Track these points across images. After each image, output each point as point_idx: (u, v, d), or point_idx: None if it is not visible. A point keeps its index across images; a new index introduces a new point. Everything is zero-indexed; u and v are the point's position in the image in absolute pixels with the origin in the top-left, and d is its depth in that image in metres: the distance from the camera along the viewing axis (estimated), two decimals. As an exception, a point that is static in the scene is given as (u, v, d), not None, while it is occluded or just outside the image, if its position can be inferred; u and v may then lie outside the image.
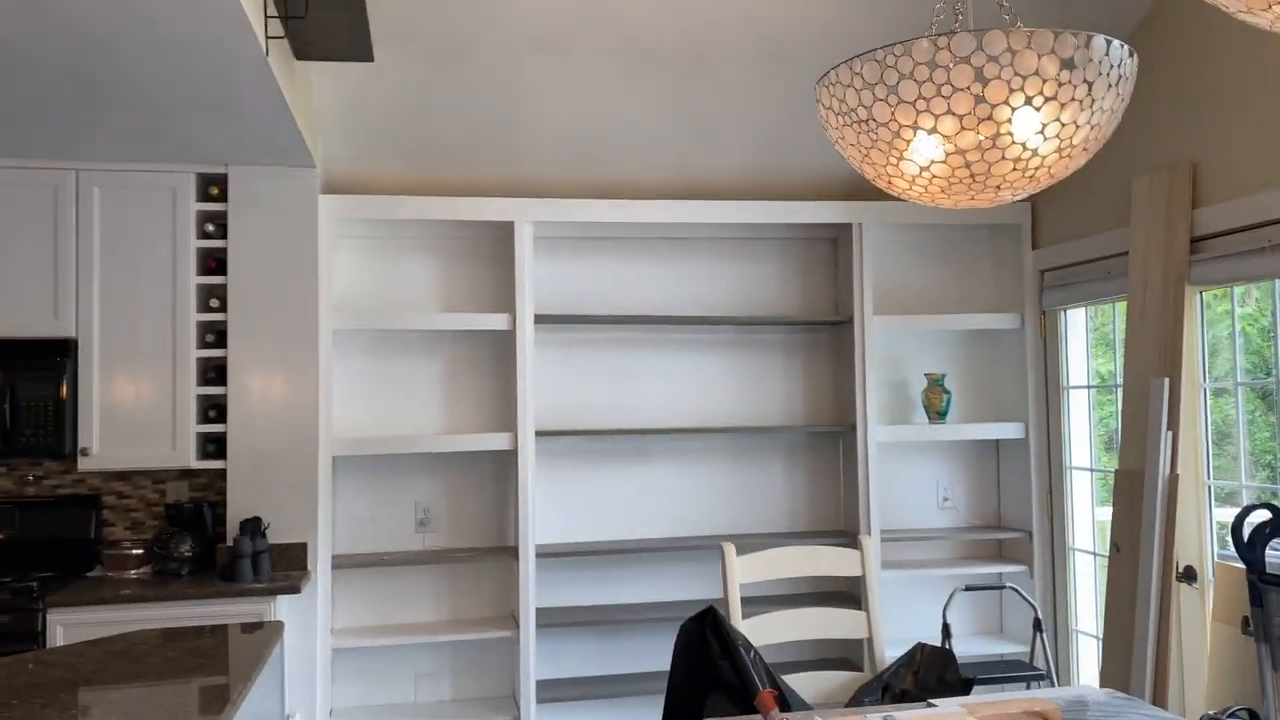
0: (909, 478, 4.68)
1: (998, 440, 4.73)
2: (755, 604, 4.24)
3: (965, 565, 4.53)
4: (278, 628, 2.81)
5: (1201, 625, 3.62)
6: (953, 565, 4.53)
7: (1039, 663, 4.14)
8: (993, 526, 4.67)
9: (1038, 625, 4.11)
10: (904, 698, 2.88)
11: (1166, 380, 3.62)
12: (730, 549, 2.94)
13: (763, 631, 2.92)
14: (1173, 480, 3.58)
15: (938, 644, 3.96)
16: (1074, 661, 4.33)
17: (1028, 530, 4.47)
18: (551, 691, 4.15)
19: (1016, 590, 4.12)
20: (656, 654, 4.43)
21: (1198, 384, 3.69)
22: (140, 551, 3.84)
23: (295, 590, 3.54)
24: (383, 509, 4.26)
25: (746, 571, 2.94)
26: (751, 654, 2.84)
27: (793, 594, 4.48)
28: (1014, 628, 4.62)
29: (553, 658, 4.35)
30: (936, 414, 4.52)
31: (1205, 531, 3.65)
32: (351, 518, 4.23)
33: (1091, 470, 4.34)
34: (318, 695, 3.83)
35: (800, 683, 2.91)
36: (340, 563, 3.98)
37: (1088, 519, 4.38)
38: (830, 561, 3.02)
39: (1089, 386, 4.37)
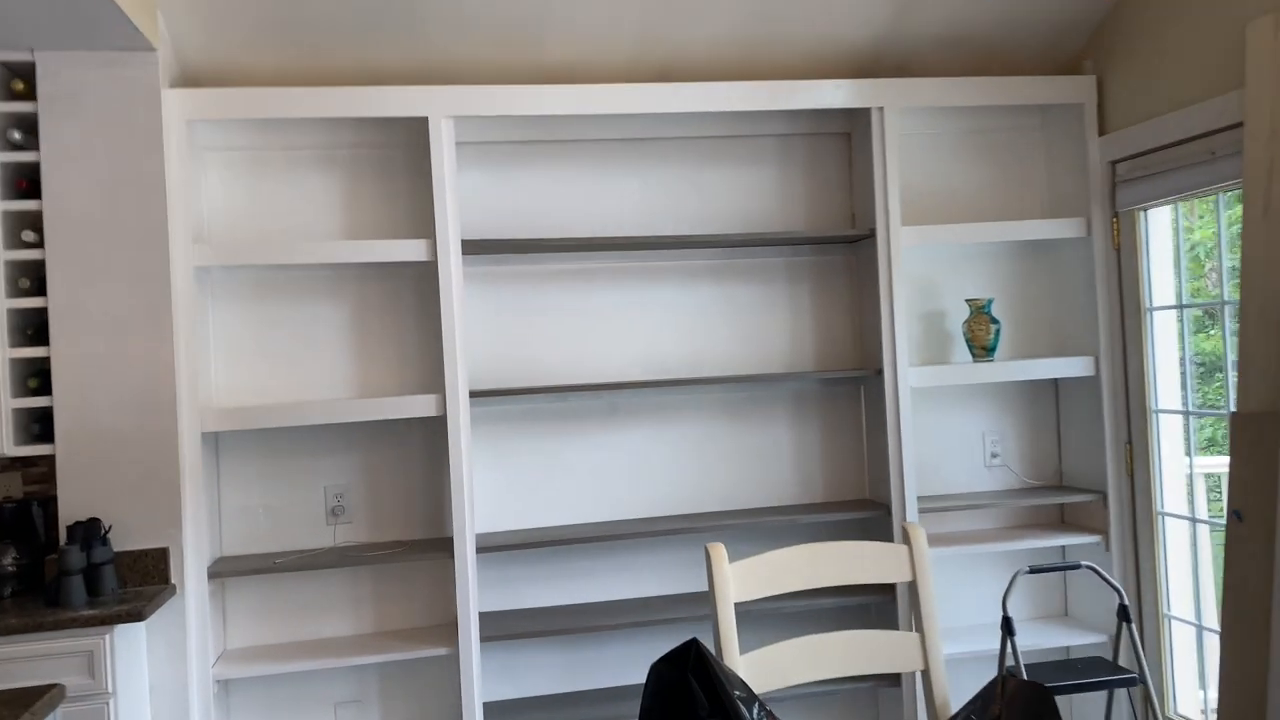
0: (949, 431, 3.74)
1: (1057, 380, 3.78)
2: (752, 619, 3.35)
3: (1021, 538, 3.60)
4: (49, 698, 1.88)
5: (1360, 617, 2.69)
6: (1006, 538, 3.61)
7: (1126, 661, 3.22)
8: (1053, 488, 3.74)
9: (1124, 614, 3.19)
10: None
11: (1310, 290, 2.65)
12: (719, 553, 2.00)
13: (769, 671, 2.00)
14: (1324, 425, 2.64)
15: (1007, 656, 3.05)
16: (1167, 656, 3.42)
17: (1100, 491, 3.54)
18: (503, 718, 3.24)
19: (1097, 570, 3.18)
20: (633, 666, 3.52)
21: (1350, 293, 2.72)
22: (-51, 568, 2.91)
23: (138, 617, 2.62)
24: (282, 497, 3.33)
25: (744, 584, 2.01)
26: (755, 708, 1.92)
27: (804, 598, 3.55)
28: (1083, 610, 3.70)
29: (504, 675, 3.44)
30: (982, 350, 3.57)
31: (1364, 492, 2.71)
32: (240, 510, 3.30)
33: (1186, 413, 3.39)
34: (196, 744, 2.92)
35: (827, 741, 1.99)
36: (226, 568, 3.06)
37: (1180, 475, 3.45)
38: (866, 563, 2.09)
39: (1180, 306, 3.40)
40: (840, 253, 3.68)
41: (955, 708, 2.09)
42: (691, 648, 1.95)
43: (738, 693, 1.90)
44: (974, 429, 3.76)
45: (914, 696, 3.30)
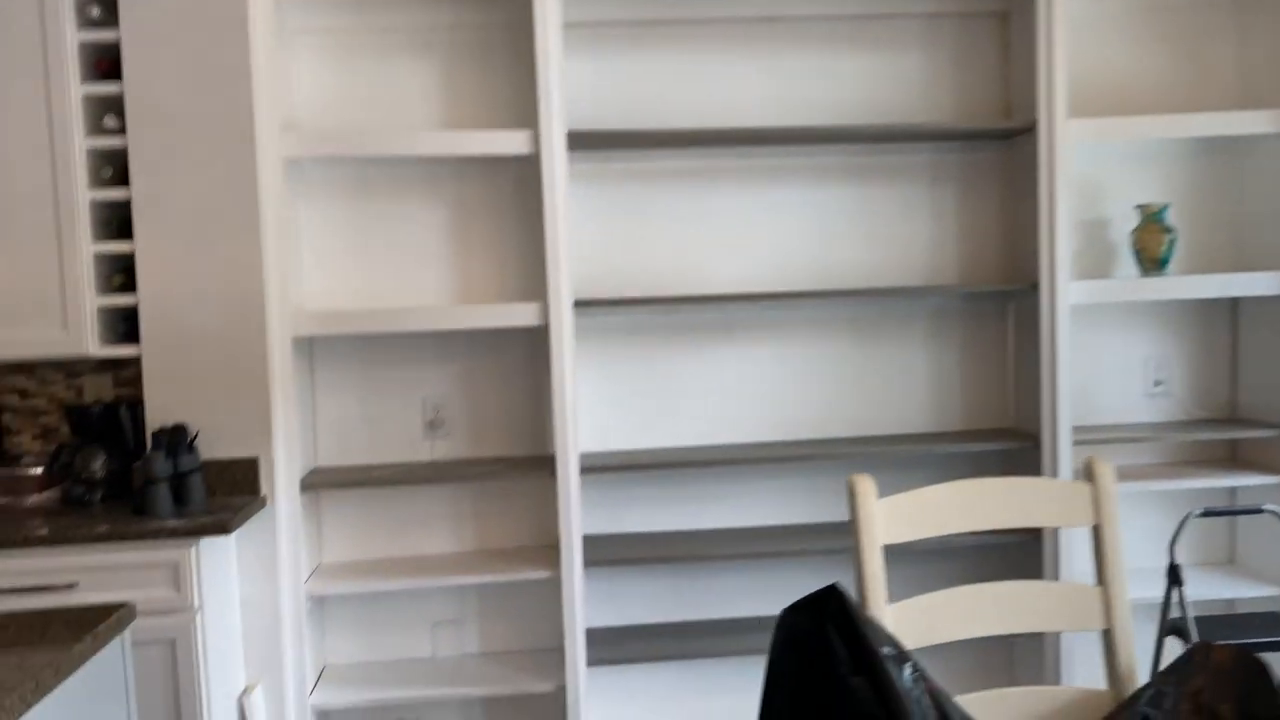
0: (1107, 354, 3.32)
1: (1237, 300, 3.31)
2: (891, 561, 2.99)
3: (1186, 476, 3.19)
4: (116, 619, 1.70)
5: None
6: (1167, 475, 3.20)
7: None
8: (1225, 421, 3.30)
9: (1314, 568, 2.78)
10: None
11: None
12: (865, 487, 1.70)
13: (921, 626, 1.70)
14: None
15: (1172, 608, 2.69)
16: (1359, 616, 2.99)
17: (1285, 427, 3.09)
18: (608, 648, 3.03)
19: (1281, 517, 2.77)
20: (742, 599, 3.27)
21: None
22: (40, 471, 2.81)
23: (223, 529, 2.46)
24: (379, 408, 3.13)
25: (894, 523, 1.70)
26: (908, 670, 1.63)
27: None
28: (1254, 559, 3.29)
29: (608, 600, 3.23)
30: (1153, 263, 3.13)
31: None
32: (336, 420, 3.12)
33: (1396, 341, 2.91)
34: (287, 657, 2.79)
35: (987, 709, 1.69)
36: (320, 481, 2.89)
37: (1385, 412, 2.98)
38: (1041, 504, 1.75)
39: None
40: (991, 150, 3.24)
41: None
42: (832, 595, 1.66)
43: (886, 650, 1.61)
44: (1135, 353, 3.33)
45: (1056, 655, 2.95)
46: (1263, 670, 1.64)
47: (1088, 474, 1.77)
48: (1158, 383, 3.33)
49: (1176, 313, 3.32)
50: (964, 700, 1.65)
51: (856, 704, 1.62)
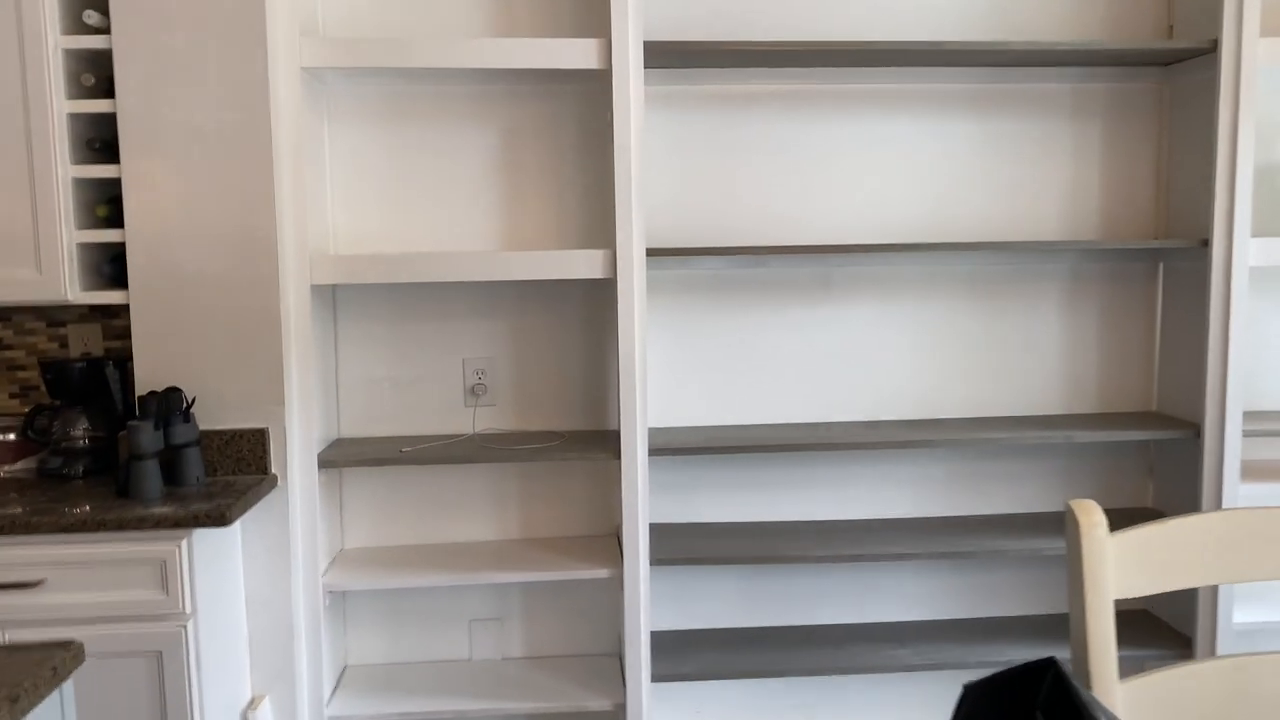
0: (1274, 327, 2.78)
1: None
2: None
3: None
4: (51, 669, 1.24)
5: None
6: (1342, 474, 2.67)
7: None
8: None
9: None
10: None
11: None
12: (1091, 517, 1.20)
13: (1168, 711, 1.21)
14: None
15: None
16: None
17: None
18: (675, 659, 2.58)
19: None
20: (844, 600, 2.79)
21: None
22: (13, 436, 2.38)
23: (220, 520, 2.00)
24: (413, 370, 2.66)
25: (1140, 568, 1.21)
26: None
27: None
28: None
29: (673, 600, 2.76)
30: (1345, 220, 2.57)
31: None
32: (362, 384, 2.65)
33: None
34: (301, 664, 2.35)
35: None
36: (342, 456, 2.43)
37: None
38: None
39: None
40: (1148, 79, 2.69)
41: None
42: (1049, 670, 1.17)
43: (1130, 757, 1.12)
44: (1308, 327, 2.78)
45: None
46: None
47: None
48: (1332, 363, 2.78)
49: (1360, 280, 2.77)
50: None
51: (1081, 827, 1.14)
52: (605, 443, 2.52)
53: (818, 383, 2.72)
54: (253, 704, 2.30)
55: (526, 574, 2.48)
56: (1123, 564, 1.21)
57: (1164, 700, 1.22)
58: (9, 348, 2.54)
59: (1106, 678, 1.20)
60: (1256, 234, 2.66)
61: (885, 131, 2.67)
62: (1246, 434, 2.53)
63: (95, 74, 2.25)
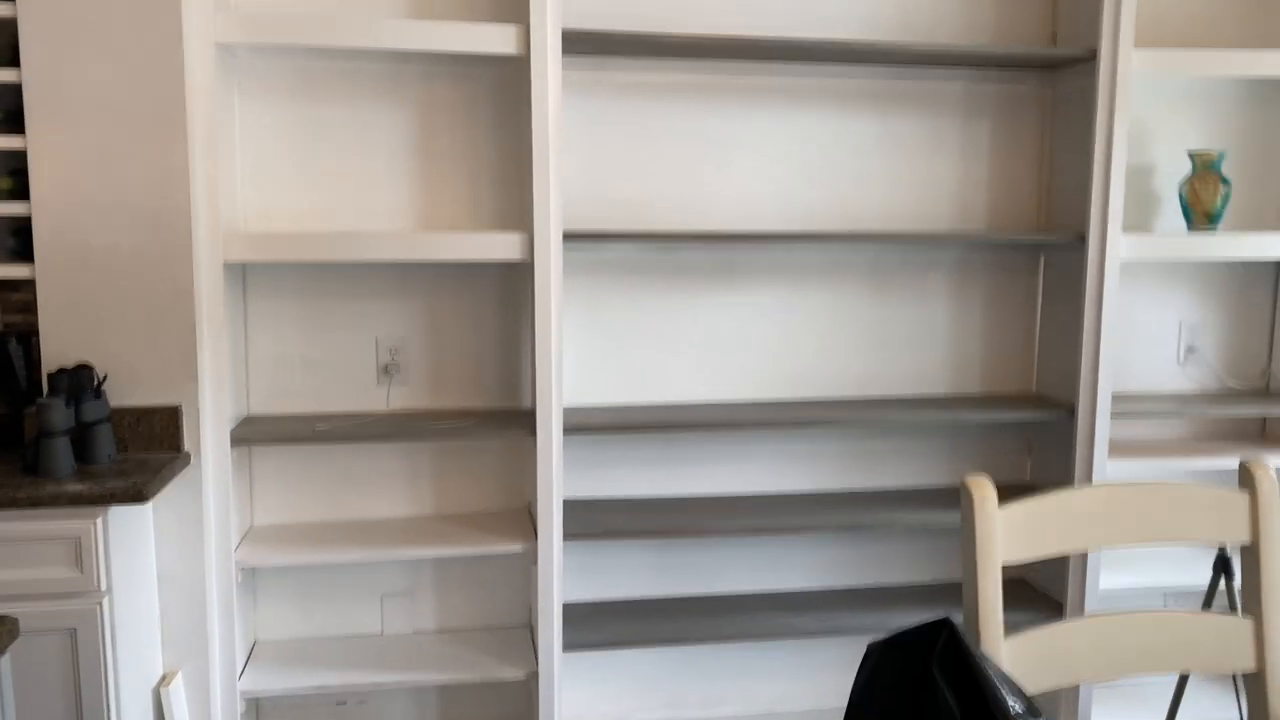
0: (1139, 316, 3.01)
1: (1279, 264, 3.02)
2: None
3: (1212, 453, 2.92)
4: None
5: None
6: (1194, 453, 2.93)
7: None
8: (1258, 394, 3.02)
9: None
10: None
11: None
12: (984, 491, 1.33)
13: (1048, 666, 1.35)
14: None
15: (1217, 599, 2.41)
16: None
17: (1332, 404, 2.83)
18: (586, 629, 2.67)
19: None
20: (744, 570, 2.93)
21: None
22: (-92, 414, 2.31)
23: (138, 497, 2.00)
24: (325, 348, 2.68)
25: (1017, 538, 1.35)
26: (1035, 725, 1.28)
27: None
28: None
29: (582, 573, 2.85)
30: (1204, 217, 2.81)
31: None
32: (272, 361, 2.65)
33: None
34: (213, 639, 2.37)
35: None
36: (254, 433, 2.43)
37: None
38: (1187, 516, 1.41)
39: None
40: (1033, 83, 2.87)
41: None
42: (944, 629, 1.30)
43: (1014, 705, 1.26)
44: (1170, 315, 3.03)
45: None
46: None
47: (1244, 480, 1.43)
48: (1189, 349, 3.03)
49: (1216, 274, 3.02)
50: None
51: (968, 765, 1.27)
52: (519, 421, 2.58)
53: (724, 364, 2.84)
54: (165, 680, 2.30)
55: (439, 549, 2.54)
56: (1009, 533, 1.35)
57: (1040, 654, 1.37)
58: (-100, 321, 2.46)
59: (994, 635, 1.34)
60: (1127, 229, 2.87)
61: (792, 124, 2.79)
62: (1115, 415, 2.74)
63: (1, 38, 2.19)
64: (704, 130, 2.75)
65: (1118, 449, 2.88)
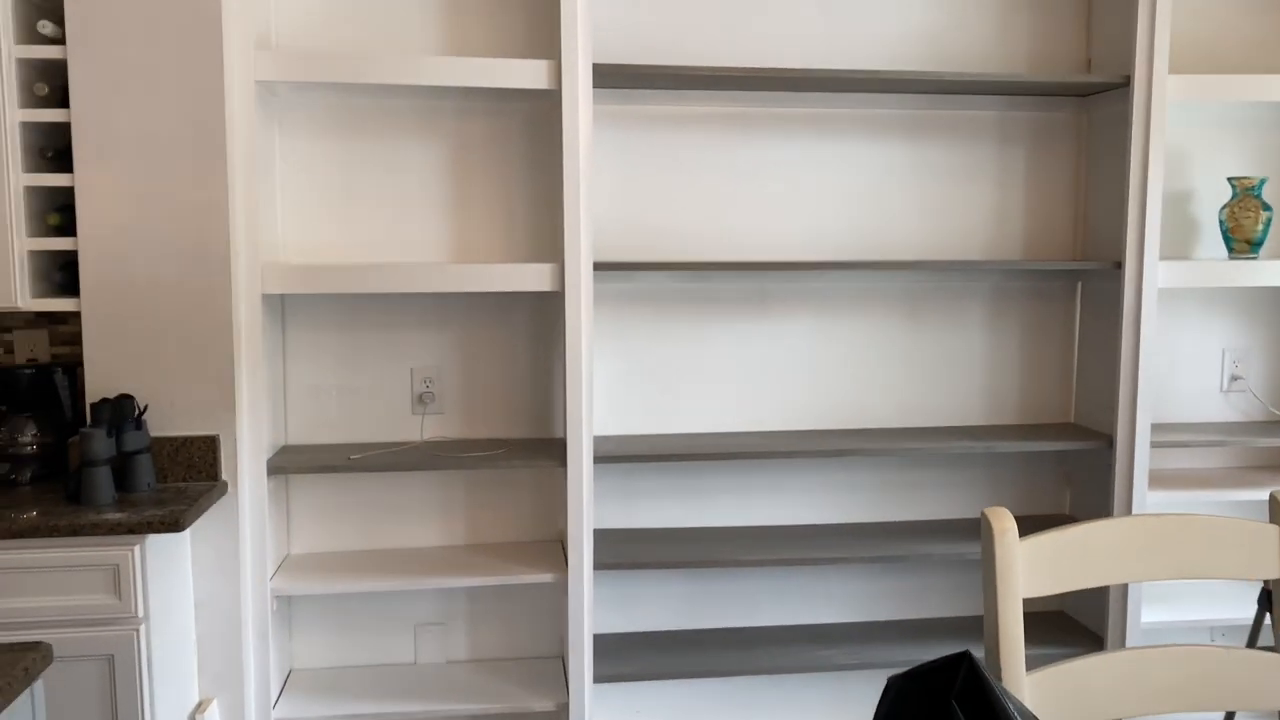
0: (1181, 345, 2.97)
1: (1327, 289, 2.97)
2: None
3: (1257, 484, 2.86)
4: (22, 668, 1.29)
5: None
6: (1239, 484, 2.86)
7: None
8: (1306, 423, 2.96)
9: None
10: None
11: None
12: (1003, 523, 1.32)
13: (1070, 699, 1.33)
14: None
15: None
16: None
17: (1383, 435, 2.76)
18: (617, 661, 2.66)
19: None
20: (777, 602, 2.91)
21: None
22: (-42, 443, 2.38)
23: (174, 526, 2.04)
24: (361, 378, 2.72)
25: (1047, 569, 1.33)
26: (1058, 764, 1.26)
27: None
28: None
29: (620, 605, 2.85)
30: (1245, 243, 2.77)
31: None
32: (310, 391, 2.70)
33: None
34: (248, 667, 2.40)
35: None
36: (291, 463, 2.48)
37: None
38: (1216, 549, 1.38)
39: None
40: (1068, 109, 2.86)
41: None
42: (963, 662, 1.29)
43: (1035, 740, 1.24)
44: (1213, 343, 2.98)
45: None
46: None
47: (1275, 513, 1.40)
48: (1234, 378, 2.98)
49: (1261, 301, 2.97)
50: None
51: (992, 805, 1.25)
52: (551, 450, 2.60)
53: (756, 393, 2.84)
54: (200, 707, 2.33)
55: (471, 579, 2.55)
56: (1031, 566, 1.33)
57: (1066, 689, 1.35)
58: (-48, 353, 2.55)
59: (1015, 669, 1.32)
60: (1165, 257, 2.84)
61: (822, 153, 2.80)
62: (1155, 445, 2.70)
63: (49, 83, 2.27)
64: (734, 160, 2.77)
65: (1159, 480, 2.83)
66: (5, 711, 1.27)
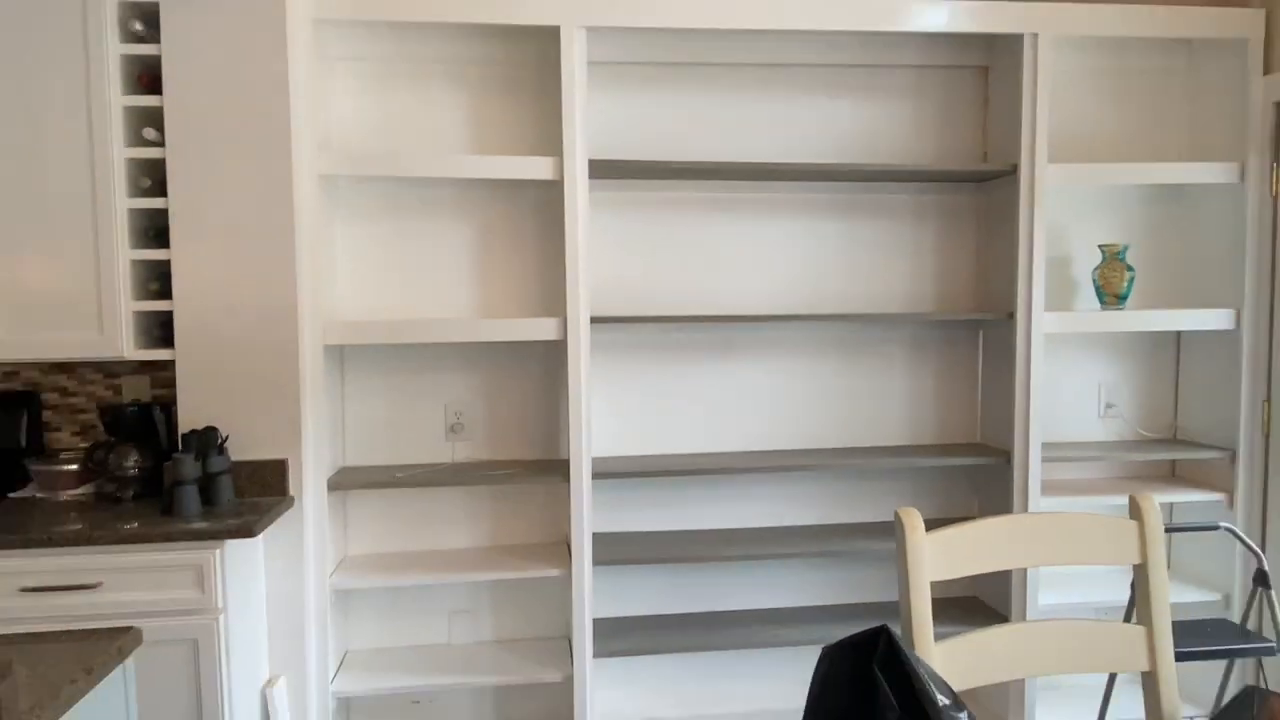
0: (1064, 379, 2.97)
1: (1180, 333, 2.98)
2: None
3: (1129, 491, 2.84)
4: (116, 648, 1.28)
5: None
6: (1114, 491, 2.85)
7: (1260, 628, 2.50)
8: (1168, 442, 2.96)
9: (1262, 580, 2.45)
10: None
11: None
12: (914, 521, 1.31)
13: (970, 665, 1.32)
14: None
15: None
16: (1296, 623, 2.66)
17: (1229, 449, 2.76)
18: (613, 639, 2.63)
19: (1235, 533, 2.44)
20: (743, 590, 2.88)
21: None
22: (75, 467, 2.37)
23: (248, 533, 2.03)
24: (404, 412, 2.71)
25: (947, 558, 1.33)
26: (963, 718, 1.24)
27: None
28: (1187, 565, 2.95)
29: (615, 594, 2.82)
30: (1114, 297, 2.78)
31: None
32: (364, 422, 2.69)
33: (1335, 374, 2.60)
34: (310, 649, 2.36)
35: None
36: (347, 481, 2.46)
37: (1322, 438, 2.66)
38: (1087, 540, 1.38)
39: (1348, 260, 2.57)
40: (968, 193, 2.89)
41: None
42: (880, 635, 1.28)
43: (943, 699, 1.23)
44: (1090, 378, 2.98)
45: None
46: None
47: (1133, 511, 1.40)
48: (1109, 405, 2.98)
49: (1128, 343, 2.98)
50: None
51: (909, 753, 1.23)
52: (557, 469, 2.59)
53: (723, 421, 2.84)
54: (270, 682, 2.30)
55: (494, 574, 2.53)
56: (935, 555, 1.33)
57: (969, 656, 1.34)
58: (72, 394, 2.54)
59: (925, 639, 1.31)
60: (1049, 309, 2.85)
61: (772, 228, 2.83)
62: (1045, 459, 2.70)
63: (151, 177, 2.30)
64: (703, 235, 2.80)
65: (1050, 488, 2.82)
66: (102, 683, 1.26)
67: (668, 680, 2.86)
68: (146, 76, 2.27)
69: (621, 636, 2.67)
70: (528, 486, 2.76)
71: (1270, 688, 2.60)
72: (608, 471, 2.56)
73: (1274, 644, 2.37)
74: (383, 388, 2.70)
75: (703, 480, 2.83)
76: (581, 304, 2.47)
